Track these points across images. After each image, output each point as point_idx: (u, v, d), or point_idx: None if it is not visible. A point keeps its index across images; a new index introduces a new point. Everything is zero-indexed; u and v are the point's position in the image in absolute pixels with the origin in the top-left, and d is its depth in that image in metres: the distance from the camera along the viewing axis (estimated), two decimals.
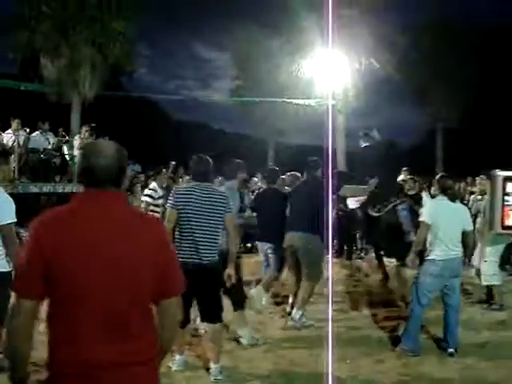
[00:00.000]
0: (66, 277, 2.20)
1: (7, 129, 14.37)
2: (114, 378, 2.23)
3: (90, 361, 2.20)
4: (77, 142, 15.36)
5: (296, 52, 23.90)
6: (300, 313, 7.23)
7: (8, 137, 14.20)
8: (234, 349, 6.27)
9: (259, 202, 8.49)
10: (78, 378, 2.20)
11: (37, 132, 14.90)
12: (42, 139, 14.84)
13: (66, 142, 15.98)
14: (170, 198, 5.35)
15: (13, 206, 4.99)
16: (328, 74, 21.16)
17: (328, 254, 7.76)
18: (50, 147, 14.96)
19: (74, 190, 13.41)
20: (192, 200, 5.15)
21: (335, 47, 19.74)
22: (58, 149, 15.37)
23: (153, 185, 10.07)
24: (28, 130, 14.75)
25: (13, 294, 2.33)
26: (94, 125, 15.80)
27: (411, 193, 11.98)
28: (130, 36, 22.19)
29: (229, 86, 35.09)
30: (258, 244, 8.57)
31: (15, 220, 4.96)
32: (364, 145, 11.52)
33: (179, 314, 2.52)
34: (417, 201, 11.64)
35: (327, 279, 7.35)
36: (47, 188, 14.23)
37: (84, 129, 15.64)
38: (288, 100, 24.89)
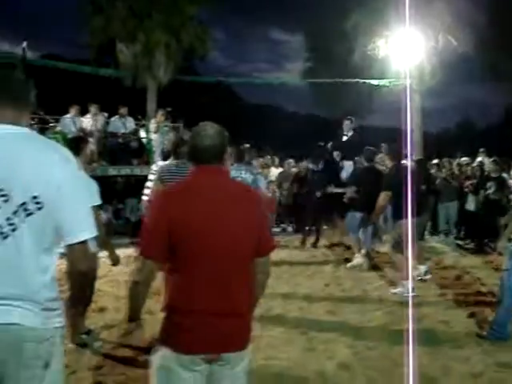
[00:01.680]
0: (187, 239, 2.58)
1: (86, 113, 14.76)
2: (215, 326, 2.62)
3: (197, 310, 2.61)
4: (153, 125, 15.60)
5: (370, 31, 23.36)
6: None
7: (87, 121, 14.60)
8: None
9: (361, 178, 10.14)
10: (188, 322, 2.62)
11: (115, 116, 15.24)
12: (119, 123, 15.16)
13: (143, 125, 16.26)
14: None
15: (97, 189, 5.07)
16: (404, 52, 20.56)
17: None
18: (127, 131, 15.26)
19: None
20: None
21: (411, 25, 19.16)
22: (135, 132, 15.65)
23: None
24: (107, 114, 15.13)
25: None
26: (169, 109, 16.01)
27: (494, 175, 11.55)
28: (204, 20, 22.34)
29: (301, 67, 34.85)
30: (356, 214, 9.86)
31: (100, 202, 5.04)
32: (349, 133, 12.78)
33: (270, 271, 2.89)
34: (500, 183, 11.21)
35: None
36: (125, 171, 14.54)
37: (160, 113, 15.87)
38: (362, 80, 24.42)
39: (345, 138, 14.96)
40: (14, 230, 2.20)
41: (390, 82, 23.35)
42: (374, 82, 24.11)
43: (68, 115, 14.41)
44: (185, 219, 2.58)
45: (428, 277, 8.67)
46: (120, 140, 15.01)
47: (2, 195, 2.19)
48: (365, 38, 23.64)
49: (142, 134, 15.76)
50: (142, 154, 15.30)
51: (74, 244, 2.31)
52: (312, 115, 46.08)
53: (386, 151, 10.07)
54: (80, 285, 2.50)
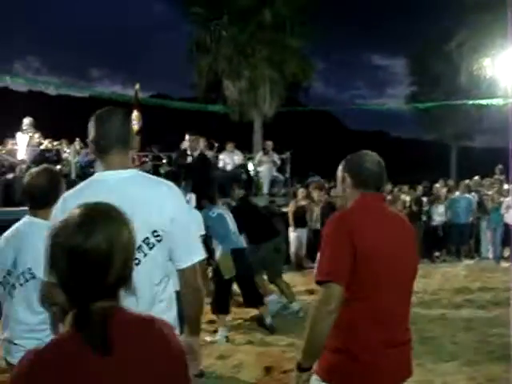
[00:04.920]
0: (372, 264, 2.51)
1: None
2: (399, 355, 2.62)
3: (388, 340, 2.56)
4: (259, 158, 16.01)
5: (475, 51, 22.86)
6: None
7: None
8: None
9: None
10: (378, 356, 2.54)
11: (223, 151, 15.79)
12: (227, 158, 15.68)
13: (250, 158, 16.71)
14: None
15: (201, 220, 5.56)
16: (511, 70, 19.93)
17: None
18: (235, 165, 15.73)
19: (262, 204, 13.96)
20: None
21: None
22: (243, 166, 16.10)
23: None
24: (216, 147, 15.71)
25: (321, 288, 2.52)
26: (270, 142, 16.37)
27: None
28: (306, 51, 22.73)
29: (404, 91, 34.43)
30: None
31: (204, 232, 5.51)
32: None
33: None
34: None
35: None
36: (235, 203, 14.95)
37: (267, 145, 16.29)
38: (469, 101, 23.83)
39: None
40: (137, 264, 2.34)
41: (498, 102, 22.66)
42: (483, 102, 23.45)
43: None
44: (373, 245, 2.53)
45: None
46: (229, 174, 15.50)
47: None
48: (470, 58, 23.14)
49: (250, 166, 16.18)
50: (251, 185, 15.70)
51: (187, 267, 2.57)
52: (417, 140, 45.30)
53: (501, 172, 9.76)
54: (197, 300, 2.63)
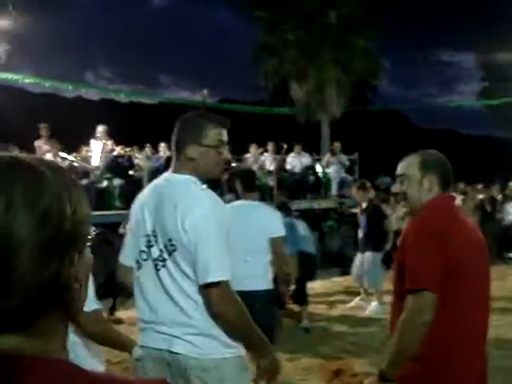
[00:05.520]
0: (465, 276, 2.38)
1: (266, 151, 15.50)
2: (485, 366, 2.54)
3: (482, 367, 2.50)
4: (327, 159, 15.97)
5: None
6: None
7: (266, 158, 15.35)
8: None
9: None
10: (480, 371, 2.48)
11: (291, 154, 15.83)
12: (295, 160, 15.71)
13: (318, 160, 16.67)
14: None
15: (280, 220, 5.23)
16: None
17: None
18: (303, 167, 15.74)
19: (329, 206, 13.92)
20: None
21: None
22: (311, 167, 16.07)
23: None
24: (285, 150, 15.78)
25: (412, 296, 2.34)
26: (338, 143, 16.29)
27: None
28: (371, 50, 22.51)
29: (474, 88, 33.54)
30: None
31: (283, 233, 5.18)
32: None
33: None
34: None
35: None
36: (304, 205, 14.94)
37: (334, 146, 16.24)
38: None
39: None
40: (164, 262, 2.50)
41: None
42: None
43: (249, 154, 15.21)
44: (463, 254, 2.39)
45: None
46: (296, 176, 15.51)
47: (155, 236, 2.57)
48: None
49: (318, 168, 16.14)
50: (319, 187, 15.66)
51: (208, 285, 2.35)
52: (488, 137, 44.00)
53: None
54: (227, 323, 2.43)
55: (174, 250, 2.44)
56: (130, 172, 12.68)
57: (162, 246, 2.49)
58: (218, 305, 2.35)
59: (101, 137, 12.51)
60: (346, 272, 10.56)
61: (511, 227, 14.33)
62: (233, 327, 2.42)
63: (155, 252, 2.51)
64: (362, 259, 8.84)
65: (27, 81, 18.12)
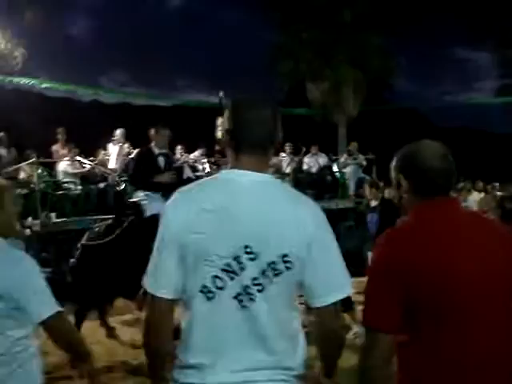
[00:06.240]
0: (445, 297, 1.89)
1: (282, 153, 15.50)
2: None
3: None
4: (344, 159, 15.92)
5: None
6: None
7: (284, 160, 15.34)
8: None
9: None
10: None
11: (308, 154, 15.81)
12: (312, 161, 15.67)
13: (335, 160, 16.61)
14: None
15: None
16: None
17: None
18: (320, 167, 15.70)
19: (347, 206, 13.86)
20: None
21: None
22: (328, 168, 16.02)
23: None
24: (303, 151, 15.76)
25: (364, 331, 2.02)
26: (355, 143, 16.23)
27: None
28: (387, 49, 22.41)
29: (493, 85, 33.24)
30: None
31: None
32: None
33: None
34: None
35: None
36: (321, 205, 14.89)
37: (352, 145, 16.19)
38: None
39: None
40: (261, 290, 1.90)
41: None
42: None
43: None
44: (443, 273, 1.88)
45: None
46: (313, 176, 15.47)
47: (249, 252, 1.89)
48: None
49: (335, 168, 16.09)
50: (337, 188, 15.60)
51: (325, 306, 1.98)
52: (509, 135, 43.57)
53: None
54: (336, 344, 2.07)
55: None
56: None
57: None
58: (335, 323, 2.03)
59: (118, 140, 12.57)
60: (363, 273, 10.49)
61: None
62: (338, 347, 2.09)
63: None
64: None
65: (44, 85, 18.28)
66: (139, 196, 6.76)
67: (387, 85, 23.84)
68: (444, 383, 1.91)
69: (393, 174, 2.20)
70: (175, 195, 2.01)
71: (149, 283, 1.99)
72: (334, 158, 16.85)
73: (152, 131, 7.00)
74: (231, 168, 2.00)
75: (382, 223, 8.83)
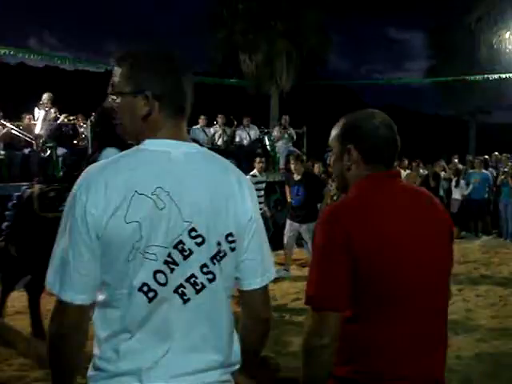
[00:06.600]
0: (390, 272, 1.83)
1: (214, 124, 15.38)
2: None
3: (409, 376, 1.88)
4: (276, 132, 16.01)
5: (494, 24, 22.46)
6: None
7: (214, 132, 15.23)
8: None
9: None
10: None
11: (240, 126, 15.77)
12: (244, 133, 15.66)
13: (266, 133, 16.65)
14: None
15: None
16: None
17: None
18: (251, 139, 15.69)
19: (277, 179, 13.94)
20: None
21: None
22: (260, 140, 16.05)
23: None
24: (235, 123, 15.70)
25: (311, 312, 1.88)
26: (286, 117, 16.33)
27: None
28: (322, 24, 22.52)
29: (423, 65, 34.06)
30: None
31: None
32: None
33: None
34: None
35: None
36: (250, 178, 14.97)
37: (283, 119, 16.26)
38: (489, 76, 23.42)
39: None
40: (211, 280, 1.66)
41: None
42: (503, 76, 23.02)
43: (197, 126, 15.04)
44: (390, 247, 1.83)
45: None
46: (245, 149, 15.47)
47: (195, 236, 1.63)
48: (490, 31, 22.76)
49: (266, 141, 16.14)
50: (267, 160, 15.66)
51: (258, 289, 1.79)
52: (436, 115, 44.89)
53: None
54: (262, 334, 1.88)
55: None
56: (74, 141, 12.39)
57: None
58: (267, 310, 1.85)
59: (44, 104, 12.15)
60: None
61: (456, 203, 14.66)
62: (264, 338, 1.92)
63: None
64: (297, 228, 9.19)
65: None
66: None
67: (321, 60, 24.02)
68: (388, 358, 1.87)
69: (336, 143, 2.05)
70: (88, 174, 1.60)
71: (59, 287, 1.58)
72: (266, 130, 16.90)
73: None
74: (156, 137, 1.67)
75: (307, 197, 9.03)
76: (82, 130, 12.64)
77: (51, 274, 1.59)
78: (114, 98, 1.72)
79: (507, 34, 22.00)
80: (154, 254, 1.56)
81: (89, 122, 12.66)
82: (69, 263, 1.56)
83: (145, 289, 1.56)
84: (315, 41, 21.53)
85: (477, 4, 23.83)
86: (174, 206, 1.59)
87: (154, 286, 1.57)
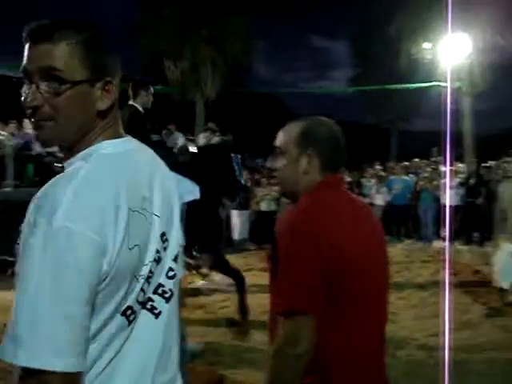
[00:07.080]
0: (351, 278, 1.84)
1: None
2: None
3: (380, 377, 1.97)
4: (202, 140, 15.93)
5: (415, 35, 23.13)
6: None
7: None
8: None
9: None
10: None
11: (163, 132, 15.62)
12: (169, 140, 15.52)
13: (192, 140, 16.56)
14: None
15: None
16: (450, 55, 20.28)
17: None
18: (176, 147, 15.56)
19: None
20: None
21: (456, 27, 18.92)
22: (185, 148, 15.92)
23: None
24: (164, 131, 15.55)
25: (285, 321, 1.79)
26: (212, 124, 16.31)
27: None
28: (246, 31, 22.66)
29: (346, 75, 34.78)
30: None
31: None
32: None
33: None
34: None
35: None
36: None
37: (209, 125, 16.22)
38: (409, 85, 24.16)
39: None
40: (176, 284, 1.45)
41: (439, 86, 23.00)
42: (423, 85, 23.80)
43: None
44: (350, 252, 1.84)
45: None
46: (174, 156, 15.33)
47: (165, 240, 1.41)
48: (410, 42, 23.44)
49: (191, 148, 16.02)
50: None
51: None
52: (358, 123, 45.90)
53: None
54: None
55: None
56: None
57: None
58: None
59: None
60: None
61: (378, 209, 14.98)
62: None
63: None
64: None
65: None
66: None
67: (245, 68, 24.14)
68: (352, 365, 1.88)
69: (292, 148, 1.99)
70: (69, 190, 1.17)
71: (46, 358, 1.10)
72: (191, 138, 16.81)
73: None
74: (112, 137, 1.36)
75: None
76: (0, 138, 12.16)
77: None
78: (54, 87, 1.26)
79: (426, 45, 22.69)
80: (141, 274, 1.31)
81: (7, 129, 12.19)
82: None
83: (128, 312, 1.29)
84: (239, 47, 21.61)
85: (396, 14, 24.49)
86: (154, 216, 1.36)
87: (135, 306, 1.30)
